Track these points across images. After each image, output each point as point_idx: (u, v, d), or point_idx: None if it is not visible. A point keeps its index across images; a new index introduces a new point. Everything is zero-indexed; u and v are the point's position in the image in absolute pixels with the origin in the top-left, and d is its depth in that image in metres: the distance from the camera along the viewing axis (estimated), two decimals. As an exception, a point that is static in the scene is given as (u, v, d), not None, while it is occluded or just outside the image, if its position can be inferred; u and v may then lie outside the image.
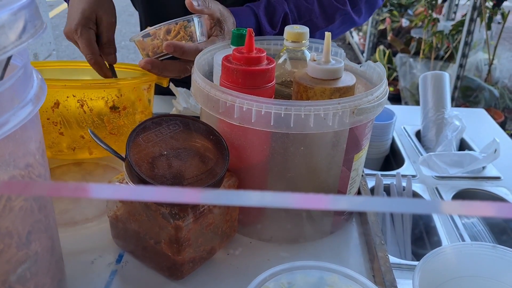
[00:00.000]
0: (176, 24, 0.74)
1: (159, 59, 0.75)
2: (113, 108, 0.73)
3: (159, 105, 1.01)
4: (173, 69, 0.75)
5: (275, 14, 0.86)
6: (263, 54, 0.60)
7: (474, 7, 2.34)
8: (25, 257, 0.44)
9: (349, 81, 0.63)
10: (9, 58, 0.39)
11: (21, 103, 0.40)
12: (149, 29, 0.74)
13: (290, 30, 0.69)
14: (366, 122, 0.61)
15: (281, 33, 0.87)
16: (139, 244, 0.60)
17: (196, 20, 0.74)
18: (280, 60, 0.70)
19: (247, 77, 0.59)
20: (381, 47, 3.58)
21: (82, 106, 0.71)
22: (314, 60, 0.63)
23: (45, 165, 0.47)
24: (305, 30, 0.69)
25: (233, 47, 0.69)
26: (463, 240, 0.71)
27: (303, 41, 0.69)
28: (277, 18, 0.86)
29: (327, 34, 0.63)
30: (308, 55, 0.70)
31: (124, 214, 0.60)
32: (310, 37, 0.71)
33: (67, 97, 0.70)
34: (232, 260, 0.63)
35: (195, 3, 0.72)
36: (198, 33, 0.75)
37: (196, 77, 0.62)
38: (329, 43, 0.63)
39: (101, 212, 0.68)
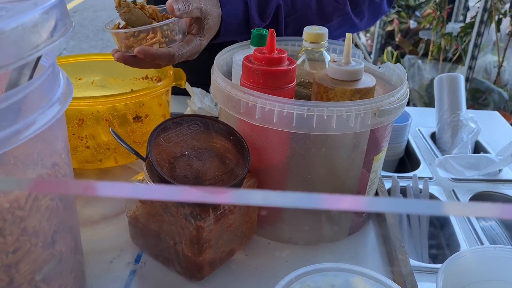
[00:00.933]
0: (154, 28, 0.71)
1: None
2: (136, 118, 0.74)
3: (174, 105, 1.01)
4: (146, 65, 0.74)
5: (267, 6, 0.82)
6: (284, 55, 0.60)
7: (484, 9, 2.33)
8: (50, 257, 0.44)
9: (369, 83, 0.63)
10: (39, 57, 0.39)
11: (49, 102, 0.40)
12: (126, 30, 0.72)
13: (309, 31, 0.68)
14: (387, 123, 0.61)
15: (271, 25, 0.83)
16: (159, 244, 0.60)
17: (172, 21, 0.71)
18: (299, 61, 0.70)
19: (268, 77, 0.59)
20: (389, 48, 3.57)
21: (106, 120, 0.72)
22: (334, 61, 0.63)
23: (70, 164, 0.47)
24: (324, 31, 0.69)
25: (253, 47, 0.69)
26: (481, 243, 0.71)
27: (322, 42, 0.69)
28: (269, 11, 0.82)
29: (348, 35, 0.62)
30: (326, 56, 0.70)
31: (144, 214, 0.60)
32: (303, 34, 0.69)
33: (91, 113, 0.71)
34: (251, 261, 0.63)
35: (176, 8, 0.69)
36: (173, 34, 0.72)
37: (217, 77, 0.62)
38: (350, 44, 0.62)
39: (119, 211, 0.68)
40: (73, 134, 0.71)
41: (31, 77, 0.39)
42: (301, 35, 0.70)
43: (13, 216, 0.39)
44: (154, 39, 0.70)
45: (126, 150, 0.73)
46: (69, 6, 5.47)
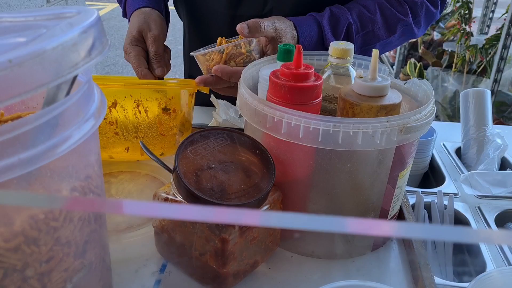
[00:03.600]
0: (228, 48, 0.76)
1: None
2: (165, 109, 0.76)
3: (199, 116, 1.02)
4: (224, 90, 0.79)
5: (338, 24, 0.86)
6: (311, 71, 0.61)
7: (511, 21, 2.30)
8: (80, 266, 0.46)
9: (396, 99, 0.63)
10: (76, 75, 0.41)
11: (84, 117, 0.42)
12: (207, 50, 0.78)
13: (336, 46, 0.69)
14: (413, 140, 0.61)
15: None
16: (184, 255, 0.61)
17: (243, 41, 0.77)
18: (324, 76, 0.70)
19: (295, 93, 0.60)
20: (412, 60, 3.54)
21: (138, 106, 0.74)
22: (361, 77, 0.63)
23: (101, 176, 0.49)
24: (350, 46, 0.69)
25: (279, 62, 0.70)
26: (509, 262, 0.69)
27: (348, 58, 0.69)
28: (341, 28, 0.86)
29: (375, 52, 0.63)
30: (352, 71, 0.71)
31: (170, 224, 0.61)
32: (370, 47, 0.72)
33: (125, 97, 0.73)
34: (274, 274, 0.63)
35: (245, 30, 0.73)
36: (248, 53, 0.77)
37: (243, 91, 0.63)
38: (377, 60, 0.63)
39: (145, 221, 0.69)
40: (104, 118, 0.73)
41: (68, 93, 0.40)
42: (369, 51, 0.73)
43: (47, 227, 0.40)
44: (230, 57, 0.75)
45: (151, 141, 0.76)
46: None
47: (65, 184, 0.41)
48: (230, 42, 0.80)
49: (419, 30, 0.95)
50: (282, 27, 0.80)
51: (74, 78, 0.40)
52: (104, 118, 0.72)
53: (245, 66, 0.76)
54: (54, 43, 0.35)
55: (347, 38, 0.88)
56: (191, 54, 0.81)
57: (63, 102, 0.38)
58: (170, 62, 0.88)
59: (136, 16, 0.86)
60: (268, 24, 0.77)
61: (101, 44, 0.40)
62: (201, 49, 0.83)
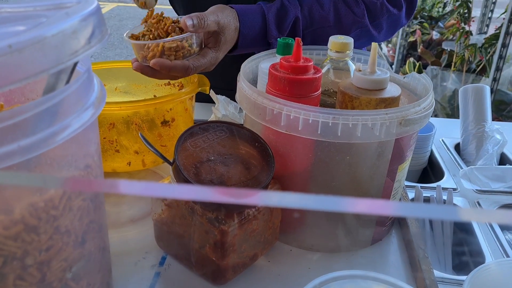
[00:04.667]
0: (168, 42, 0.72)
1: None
2: (164, 122, 0.76)
3: (198, 112, 1.02)
4: (162, 76, 0.75)
5: (285, 18, 0.84)
6: (310, 63, 0.61)
7: (510, 20, 2.31)
8: (80, 256, 0.46)
9: (395, 92, 0.63)
10: (76, 63, 0.41)
11: (84, 106, 0.42)
12: (145, 42, 0.73)
13: (335, 40, 0.69)
14: (412, 133, 0.61)
15: (290, 37, 0.85)
16: (183, 247, 0.61)
17: (185, 36, 0.72)
18: (324, 70, 0.70)
19: (294, 85, 0.60)
20: (411, 59, 3.54)
21: (136, 124, 0.74)
22: (360, 71, 0.63)
23: (101, 166, 0.49)
24: (350, 40, 0.69)
25: (279, 56, 0.70)
26: (507, 255, 0.70)
27: (347, 52, 0.70)
28: (287, 23, 0.84)
29: (374, 45, 0.63)
30: (351, 65, 0.71)
31: (169, 217, 0.61)
32: (321, 45, 0.71)
33: (122, 117, 0.73)
34: (273, 267, 0.63)
35: (189, 24, 0.70)
36: (190, 47, 0.73)
37: (243, 85, 0.63)
38: (376, 54, 0.63)
39: (145, 214, 0.70)
40: (104, 138, 0.72)
41: (67, 82, 0.40)
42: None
43: (47, 215, 0.40)
44: (169, 51, 0.71)
45: (152, 154, 0.74)
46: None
47: (65, 172, 0.41)
48: (165, 24, 0.73)
49: (380, 33, 0.91)
50: (225, 21, 0.76)
51: (74, 66, 0.41)
52: (104, 138, 0.72)
53: (185, 59, 0.73)
54: (54, 30, 0.35)
55: (293, 33, 0.85)
56: (124, 37, 0.75)
57: (63, 91, 0.38)
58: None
59: None
60: (211, 18, 0.73)
61: (101, 33, 0.40)
62: (134, 30, 0.76)
